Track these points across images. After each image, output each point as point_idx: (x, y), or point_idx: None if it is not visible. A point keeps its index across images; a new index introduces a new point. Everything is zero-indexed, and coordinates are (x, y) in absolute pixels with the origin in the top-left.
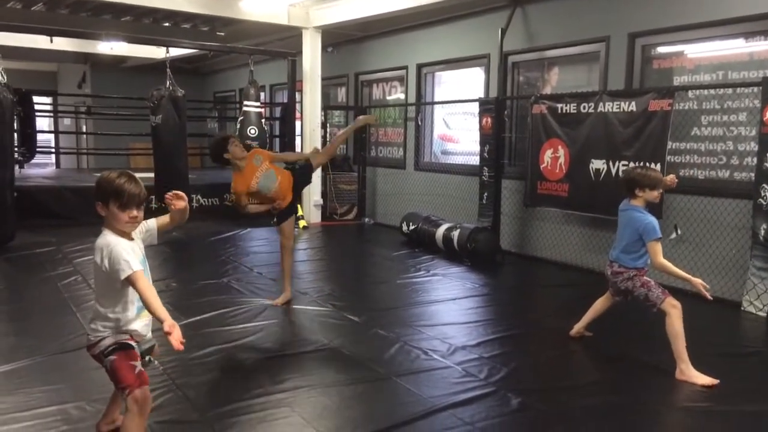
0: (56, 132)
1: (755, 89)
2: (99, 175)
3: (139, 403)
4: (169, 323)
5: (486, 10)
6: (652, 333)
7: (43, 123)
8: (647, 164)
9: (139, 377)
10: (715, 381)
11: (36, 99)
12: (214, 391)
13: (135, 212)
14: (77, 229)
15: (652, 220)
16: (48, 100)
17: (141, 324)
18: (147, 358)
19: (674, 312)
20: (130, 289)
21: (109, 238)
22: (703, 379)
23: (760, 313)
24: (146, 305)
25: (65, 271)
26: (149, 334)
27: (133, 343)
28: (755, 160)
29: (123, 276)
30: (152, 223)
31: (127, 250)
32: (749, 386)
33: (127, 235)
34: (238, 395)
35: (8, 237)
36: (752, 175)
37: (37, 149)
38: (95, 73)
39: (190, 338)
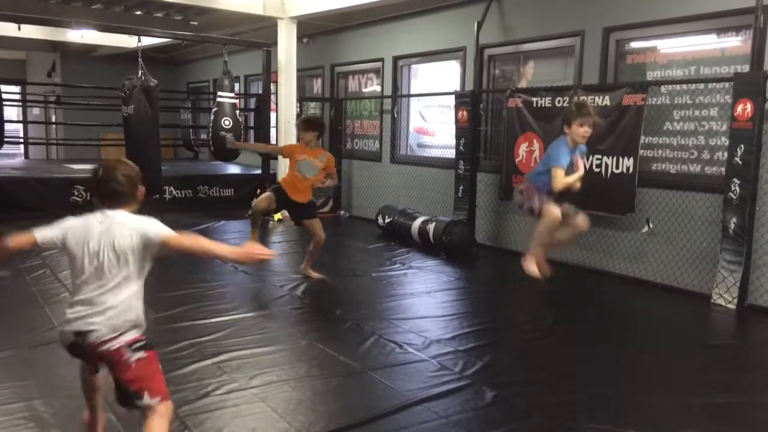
0: (25, 122)
1: (726, 85)
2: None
3: (170, 413)
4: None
5: (462, 2)
6: (627, 326)
7: (11, 112)
8: (620, 158)
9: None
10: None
11: (3, 88)
12: (187, 386)
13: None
14: (46, 221)
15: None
16: (16, 89)
17: None
18: None
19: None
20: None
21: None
22: (533, 270)
23: (730, 306)
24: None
25: (33, 264)
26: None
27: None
28: (726, 154)
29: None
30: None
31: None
32: (718, 377)
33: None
34: (211, 390)
35: None
36: (723, 169)
37: (5, 139)
38: (65, 61)
39: (163, 333)
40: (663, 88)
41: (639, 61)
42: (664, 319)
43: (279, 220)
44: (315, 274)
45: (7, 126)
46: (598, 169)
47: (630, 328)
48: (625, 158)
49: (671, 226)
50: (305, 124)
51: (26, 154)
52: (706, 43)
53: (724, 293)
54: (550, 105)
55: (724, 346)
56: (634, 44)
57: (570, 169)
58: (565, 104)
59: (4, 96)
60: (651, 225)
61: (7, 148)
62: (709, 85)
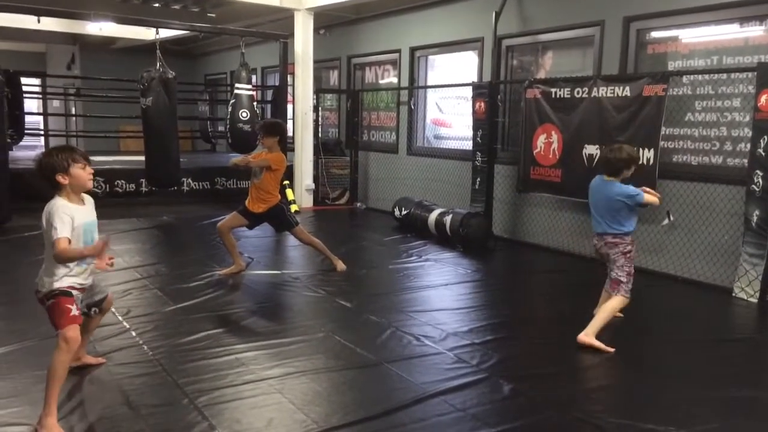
0: (45, 114)
1: (750, 75)
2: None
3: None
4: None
5: None
6: (646, 319)
7: (31, 105)
8: (640, 149)
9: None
10: (611, 349)
11: (24, 80)
12: (204, 377)
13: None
14: None
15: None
16: (36, 81)
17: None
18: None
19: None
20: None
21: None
22: (601, 346)
23: (751, 300)
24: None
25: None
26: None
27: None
28: (749, 146)
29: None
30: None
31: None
32: (739, 372)
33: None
34: (229, 380)
35: (4, 218)
36: (745, 161)
37: (26, 131)
38: (84, 54)
39: (180, 323)
40: (684, 79)
41: (660, 51)
42: (685, 312)
43: (296, 212)
44: (340, 265)
45: (28, 118)
46: None
47: (649, 321)
48: (646, 149)
49: (692, 218)
50: (264, 129)
51: (47, 146)
52: (729, 32)
53: (745, 287)
54: (569, 96)
55: (745, 340)
56: (655, 34)
57: None
58: (584, 95)
59: (25, 88)
60: (671, 217)
61: (27, 140)
62: (732, 75)
